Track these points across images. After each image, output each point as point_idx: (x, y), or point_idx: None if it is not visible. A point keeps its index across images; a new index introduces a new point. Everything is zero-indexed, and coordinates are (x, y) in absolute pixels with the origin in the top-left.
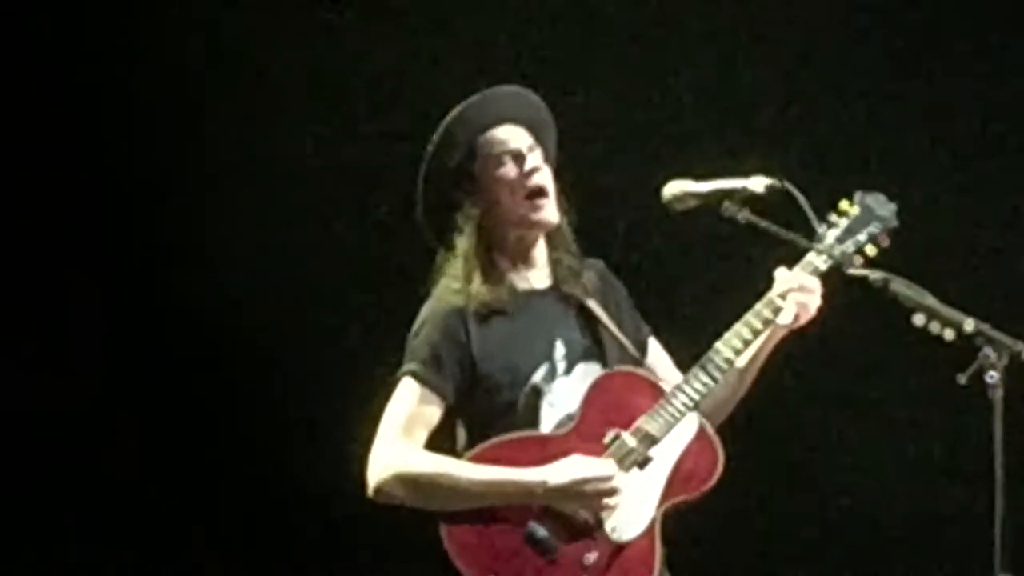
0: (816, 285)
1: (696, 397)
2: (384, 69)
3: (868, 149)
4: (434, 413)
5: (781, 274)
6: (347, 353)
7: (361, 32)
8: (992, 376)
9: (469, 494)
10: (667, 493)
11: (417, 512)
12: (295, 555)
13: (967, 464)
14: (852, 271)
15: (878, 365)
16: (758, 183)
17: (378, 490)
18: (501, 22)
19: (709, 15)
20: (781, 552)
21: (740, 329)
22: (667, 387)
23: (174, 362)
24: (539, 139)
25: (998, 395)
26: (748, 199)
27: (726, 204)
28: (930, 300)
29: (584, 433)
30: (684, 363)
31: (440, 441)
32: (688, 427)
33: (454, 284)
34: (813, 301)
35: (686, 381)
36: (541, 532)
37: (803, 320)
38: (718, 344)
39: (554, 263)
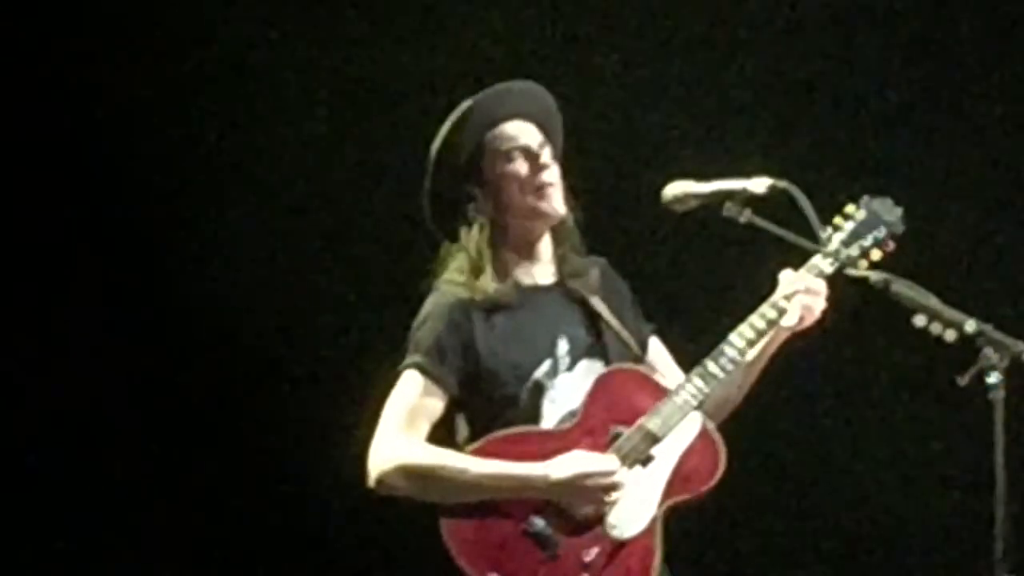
0: (822, 288)
1: (699, 397)
2: (384, 68)
3: (868, 149)
4: (436, 405)
5: (786, 276)
6: (347, 353)
7: (362, 33)
8: (993, 377)
9: (470, 487)
10: (668, 492)
11: (416, 509)
12: (295, 555)
13: (968, 465)
14: (853, 272)
15: (879, 365)
16: (759, 184)
17: (379, 481)
18: (501, 22)
19: (710, 15)
20: (781, 552)
21: (744, 330)
22: (670, 386)
23: (174, 362)
24: (548, 135)
25: (999, 396)
26: (749, 200)
27: (727, 205)
28: (931, 301)
29: (586, 429)
30: (686, 363)
31: (441, 434)
32: (691, 426)
33: (459, 277)
34: (818, 304)
35: (689, 380)
36: (542, 527)
37: (807, 323)
38: (722, 345)
39: (559, 259)
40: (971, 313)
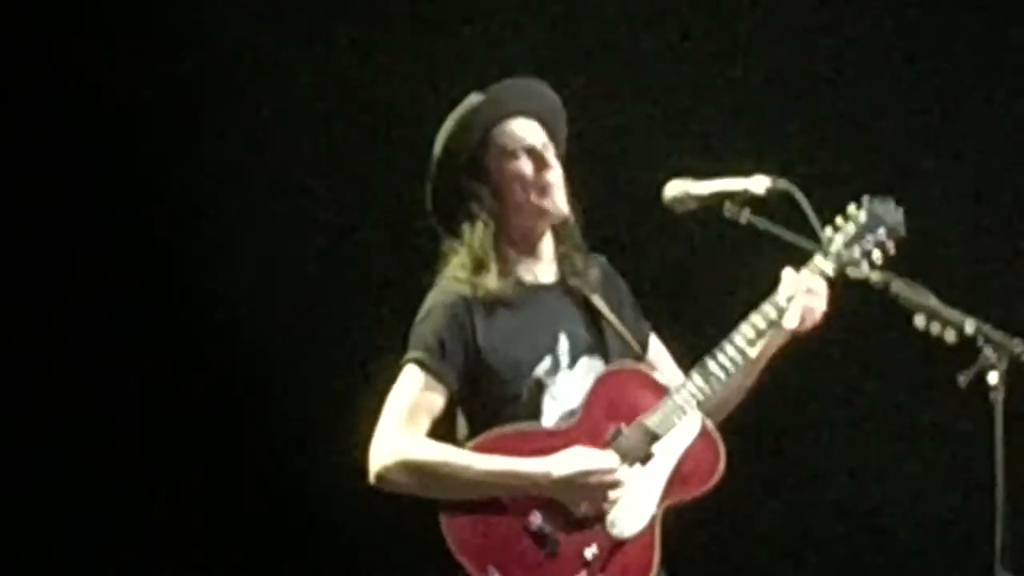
0: (823, 288)
1: (699, 396)
2: (385, 67)
3: (868, 150)
4: (437, 401)
5: (788, 276)
6: (348, 352)
7: (362, 32)
8: (993, 377)
9: (471, 483)
10: (668, 491)
11: (417, 507)
12: (295, 555)
13: (967, 465)
14: (853, 273)
15: (878, 366)
16: (759, 184)
17: (380, 477)
18: (502, 22)
19: (710, 15)
20: (781, 552)
21: (745, 330)
22: (670, 385)
23: (174, 362)
24: (552, 134)
25: (999, 396)
26: (749, 200)
27: (727, 205)
28: (931, 301)
29: (587, 427)
30: (686, 363)
31: (442, 431)
32: (691, 426)
33: (461, 273)
34: (819, 305)
35: (689, 379)
36: (542, 524)
37: (808, 324)
38: (723, 344)
39: (560, 257)
40: (971, 313)
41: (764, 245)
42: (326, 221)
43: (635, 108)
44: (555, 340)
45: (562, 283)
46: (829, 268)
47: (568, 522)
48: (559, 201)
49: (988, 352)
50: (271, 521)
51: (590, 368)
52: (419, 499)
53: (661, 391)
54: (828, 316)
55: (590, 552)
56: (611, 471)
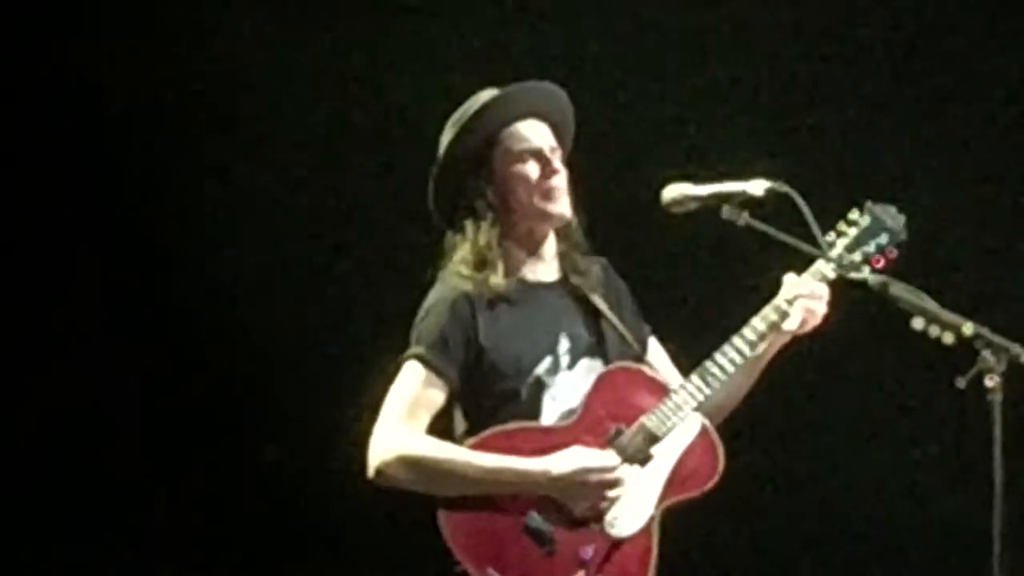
0: (824, 292)
1: (699, 397)
2: (385, 66)
3: (868, 151)
4: (438, 397)
5: (790, 279)
6: (348, 352)
7: (363, 31)
8: (991, 380)
9: (471, 480)
10: (667, 492)
11: (415, 505)
12: (295, 555)
13: (966, 467)
14: (853, 275)
15: (877, 368)
16: (758, 186)
17: (379, 472)
18: (502, 22)
19: (711, 16)
20: (781, 553)
21: (746, 332)
22: (670, 385)
23: (174, 362)
24: (560, 137)
25: (997, 399)
26: (748, 202)
27: (725, 208)
28: (929, 303)
29: (587, 427)
30: (686, 364)
31: (440, 427)
32: (690, 427)
33: (463, 269)
34: (820, 308)
35: (689, 381)
36: (540, 523)
37: (809, 326)
38: (723, 346)
39: (562, 257)
40: (969, 316)
41: (763, 248)
42: (326, 221)
43: (635, 109)
44: (556, 340)
45: (564, 282)
46: (831, 272)
47: (566, 521)
48: (563, 205)
49: (987, 355)
50: (271, 521)
51: (590, 369)
52: (418, 497)
53: (661, 391)
54: (828, 318)
55: (588, 551)
56: (610, 470)
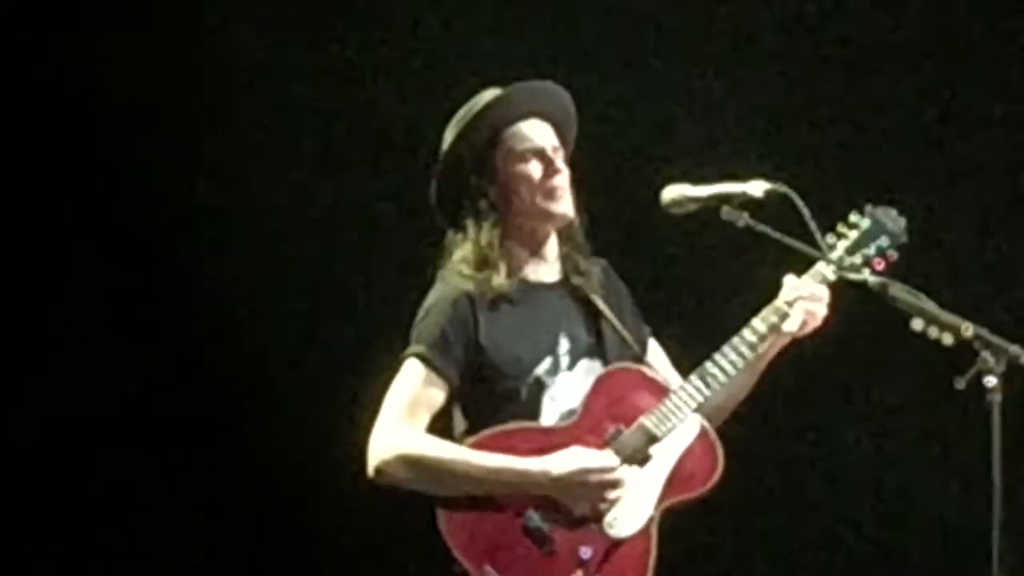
0: (825, 294)
1: (699, 398)
2: (386, 66)
3: (868, 151)
4: (438, 396)
5: (790, 281)
6: (347, 352)
7: (363, 31)
8: (990, 380)
9: (470, 480)
10: (666, 493)
11: (414, 505)
12: (295, 554)
13: (966, 467)
14: (852, 276)
15: (876, 369)
16: (757, 187)
17: (379, 471)
18: (502, 22)
19: (711, 16)
20: (780, 553)
21: (746, 333)
22: (670, 386)
23: (174, 362)
24: (563, 137)
25: (996, 399)
26: (747, 204)
27: (725, 208)
28: (928, 304)
29: (586, 427)
30: (685, 365)
31: (440, 426)
32: (690, 428)
33: (464, 269)
34: (821, 310)
35: (689, 382)
36: (539, 523)
37: (809, 328)
38: (724, 347)
39: (563, 258)
40: (968, 317)
41: (763, 248)
42: (326, 221)
43: (635, 109)
44: (556, 341)
45: (564, 283)
46: (831, 274)
47: (565, 521)
48: (565, 205)
49: (986, 355)
50: (271, 521)
51: (590, 370)
52: (418, 497)
53: (661, 392)
54: (828, 319)
55: (586, 552)
56: (610, 470)
